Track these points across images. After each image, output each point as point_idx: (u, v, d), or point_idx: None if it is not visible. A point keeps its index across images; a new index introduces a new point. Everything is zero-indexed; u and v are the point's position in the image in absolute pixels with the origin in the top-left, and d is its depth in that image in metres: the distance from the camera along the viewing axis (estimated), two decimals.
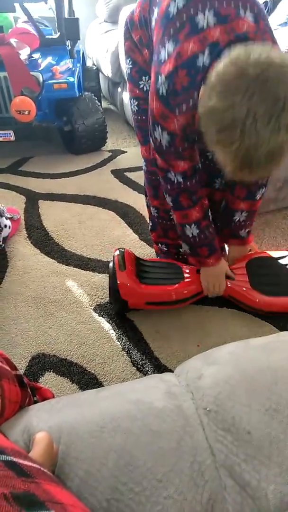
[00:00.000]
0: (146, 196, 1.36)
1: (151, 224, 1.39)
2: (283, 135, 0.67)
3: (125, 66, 1.21)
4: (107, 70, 2.54)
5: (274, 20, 1.76)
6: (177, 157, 0.96)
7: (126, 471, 0.51)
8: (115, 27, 2.55)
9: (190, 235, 1.09)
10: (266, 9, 1.82)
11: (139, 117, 1.19)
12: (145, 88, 1.12)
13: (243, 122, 0.66)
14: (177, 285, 1.20)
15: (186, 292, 1.21)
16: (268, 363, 0.59)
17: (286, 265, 1.28)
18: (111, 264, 1.23)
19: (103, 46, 2.59)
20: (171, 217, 1.33)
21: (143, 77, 1.12)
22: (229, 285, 1.23)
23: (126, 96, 2.44)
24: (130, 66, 1.16)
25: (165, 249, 1.39)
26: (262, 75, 0.65)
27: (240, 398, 0.56)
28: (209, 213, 1.10)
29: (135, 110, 1.19)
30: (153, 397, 0.62)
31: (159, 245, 1.40)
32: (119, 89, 2.57)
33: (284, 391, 0.55)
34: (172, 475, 0.51)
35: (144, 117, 1.14)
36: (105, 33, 2.66)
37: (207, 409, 0.57)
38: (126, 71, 1.20)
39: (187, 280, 1.22)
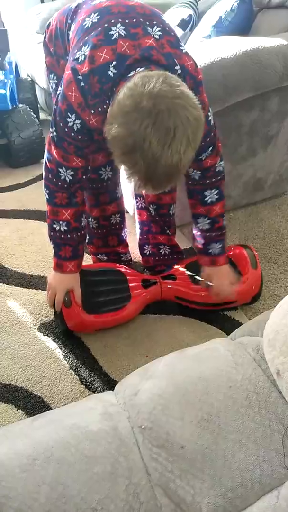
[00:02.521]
0: None
1: (88, 237, 1.37)
2: (176, 158, 0.75)
3: (49, 82, 1.19)
4: (42, 81, 2.50)
5: (199, 33, 1.82)
6: (76, 150, 0.97)
7: (59, 503, 0.49)
8: None
9: (57, 230, 1.08)
10: (191, 23, 1.88)
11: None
12: None
13: (141, 148, 0.74)
14: (125, 308, 1.20)
15: (134, 312, 1.23)
16: (200, 373, 0.60)
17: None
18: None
19: (36, 57, 2.54)
20: (112, 221, 1.33)
21: None
22: (170, 287, 1.25)
23: None
24: (55, 81, 1.15)
25: (105, 258, 1.38)
26: (154, 108, 0.73)
27: (173, 411, 0.56)
28: (82, 220, 1.11)
29: None
30: (90, 420, 0.60)
31: (98, 255, 1.39)
32: None
33: (215, 400, 0.55)
34: (107, 501, 0.49)
35: None
36: (37, 44, 2.62)
37: (142, 426, 0.56)
38: (51, 86, 1.18)
39: (135, 296, 1.22)
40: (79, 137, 0.94)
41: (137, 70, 0.83)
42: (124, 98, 0.76)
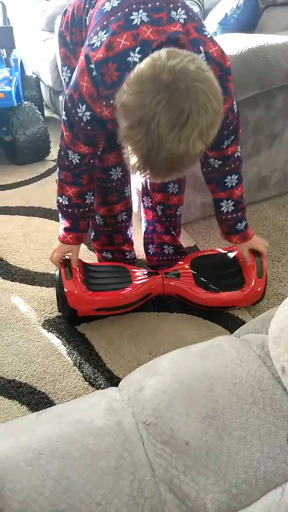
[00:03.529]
0: None
1: (93, 233, 1.38)
2: (183, 148, 0.68)
3: (62, 75, 1.17)
4: (47, 79, 2.50)
5: None
6: (85, 139, 0.96)
7: (64, 498, 0.50)
8: (52, 35, 2.51)
9: (61, 202, 1.11)
10: None
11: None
12: None
13: (148, 124, 0.67)
14: (125, 289, 1.19)
15: (134, 295, 1.21)
16: (204, 369, 0.60)
17: (227, 260, 1.31)
18: (57, 273, 1.20)
19: (41, 54, 2.54)
20: (119, 219, 1.33)
21: None
22: (173, 284, 1.24)
23: None
24: (69, 74, 1.12)
25: (110, 256, 1.38)
26: (172, 84, 0.66)
27: (178, 408, 0.56)
28: (86, 197, 1.11)
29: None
30: (94, 415, 0.60)
31: (103, 253, 1.39)
32: (61, 98, 2.54)
33: (220, 396, 0.55)
34: (111, 496, 0.50)
35: None
36: (43, 42, 2.62)
37: (147, 422, 0.56)
38: (64, 79, 1.15)
39: (136, 283, 1.22)
40: (89, 127, 0.93)
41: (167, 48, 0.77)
42: (144, 66, 0.70)
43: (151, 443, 0.54)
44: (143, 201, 1.37)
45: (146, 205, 1.36)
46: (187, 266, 1.28)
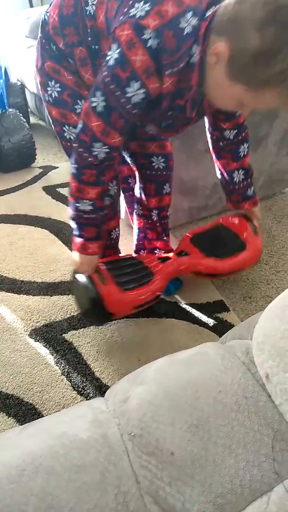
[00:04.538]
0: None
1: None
2: None
3: (47, 91, 1.02)
4: (31, 86, 2.50)
5: None
6: (123, 126, 0.88)
7: None
8: (36, 42, 2.51)
9: (81, 209, 1.00)
10: None
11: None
12: None
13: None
14: (153, 280, 1.17)
15: (162, 285, 1.19)
16: (189, 377, 0.59)
17: (221, 231, 1.33)
18: (82, 281, 1.11)
19: (26, 61, 2.54)
20: (113, 236, 1.29)
21: (79, 101, 1.01)
22: (187, 259, 1.25)
23: None
24: (58, 89, 1.01)
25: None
26: None
27: (163, 417, 0.55)
28: (105, 198, 1.09)
29: (70, 138, 1.06)
30: (79, 428, 0.59)
31: None
32: None
33: (205, 404, 0.55)
34: (96, 511, 0.49)
35: None
36: (27, 49, 2.61)
37: (132, 434, 0.56)
38: (51, 95, 1.02)
39: (157, 271, 1.20)
40: (134, 110, 0.85)
41: (217, 5, 0.76)
42: (256, 9, 0.68)
43: (136, 454, 0.53)
44: (134, 209, 1.37)
45: (137, 213, 1.36)
46: (190, 243, 1.29)
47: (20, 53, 2.69)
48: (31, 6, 3.15)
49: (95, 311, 1.12)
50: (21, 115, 2.16)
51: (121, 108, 0.85)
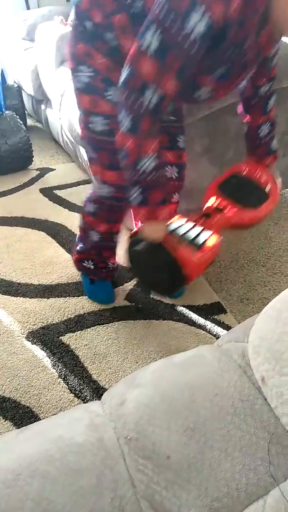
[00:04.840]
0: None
1: (81, 245, 1.32)
2: None
3: (75, 76, 1.00)
4: (28, 88, 2.50)
5: None
6: (182, 67, 0.78)
7: None
8: (33, 44, 2.51)
9: (144, 170, 0.87)
10: None
11: (109, 139, 1.00)
12: (114, 100, 0.92)
13: None
14: (211, 235, 1.08)
15: (219, 240, 1.09)
16: (186, 380, 0.59)
17: (243, 179, 1.26)
18: (156, 248, 1.02)
19: (23, 64, 2.54)
20: (115, 239, 1.29)
21: (109, 88, 0.96)
22: (228, 216, 1.15)
23: (50, 113, 2.40)
24: (91, 74, 0.97)
25: (92, 266, 1.33)
26: None
27: (160, 421, 0.55)
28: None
29: (101, 130, 1.01)
30: (75, 431, 0.59)
31: (84, 262, 1.34)
32: (43, 106, 2.53)
33: (201, 408, 0.55)
34: None
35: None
36: (24, 51, 2.61)
37: (128, 437, 0.55)
38: (82, 81, 0.99)
39: (207, 224, 1.12)
40: (197, 45, 0.75)
41: None
42: None
43: (133, 458, 0.53)
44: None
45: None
46: (218, 198, 1.19)
47: (17, 55, 2.69)
48: (28, 8, 3.15)
49: (172, 278, 1.04)
50: (18, 117, 2.16)
51: (178, 44, 0.75)
